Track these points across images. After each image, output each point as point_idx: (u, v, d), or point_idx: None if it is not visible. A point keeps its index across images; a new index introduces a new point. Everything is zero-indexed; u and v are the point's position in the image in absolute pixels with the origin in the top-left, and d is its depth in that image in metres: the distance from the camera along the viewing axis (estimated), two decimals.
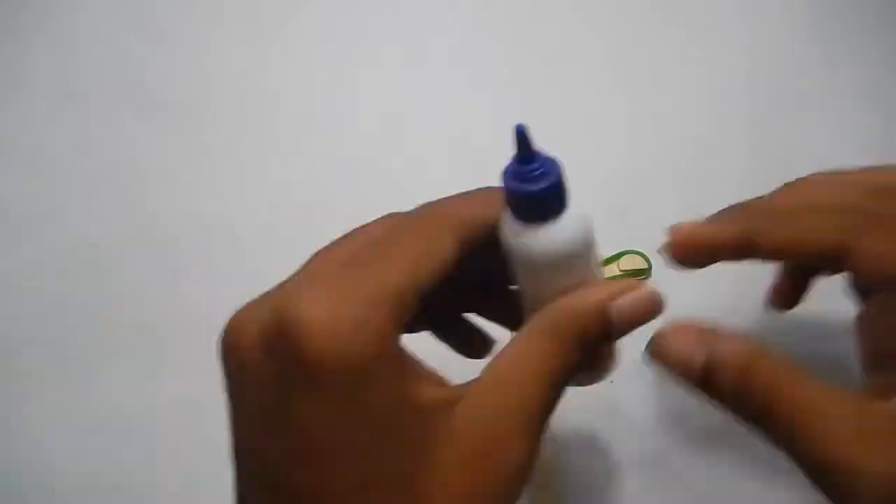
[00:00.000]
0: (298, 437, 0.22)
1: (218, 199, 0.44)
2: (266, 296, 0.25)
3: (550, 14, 0.49)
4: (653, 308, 0.26)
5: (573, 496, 0.38)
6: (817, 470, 0.23)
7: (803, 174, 0.33)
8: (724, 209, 0.31)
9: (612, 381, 0.40)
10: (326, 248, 0.27)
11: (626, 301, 0.26)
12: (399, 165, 0.45)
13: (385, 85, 0.47)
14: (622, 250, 0.42)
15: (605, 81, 0.48)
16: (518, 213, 0.26)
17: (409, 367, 0.24)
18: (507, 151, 0.44)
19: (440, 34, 0.49)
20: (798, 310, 0.36)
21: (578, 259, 0.26)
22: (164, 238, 0.43)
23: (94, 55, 0.48)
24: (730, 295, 0.42)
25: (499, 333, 0.36)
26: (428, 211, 0.28)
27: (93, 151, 0.45)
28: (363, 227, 0.28)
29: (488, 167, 0.44)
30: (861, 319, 0.29)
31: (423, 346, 0.38)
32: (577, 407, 0.39)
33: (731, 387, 0.25)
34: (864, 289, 0.29)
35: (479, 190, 0.29)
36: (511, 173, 0.25)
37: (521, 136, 0.26)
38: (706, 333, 0.26)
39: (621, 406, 0.40)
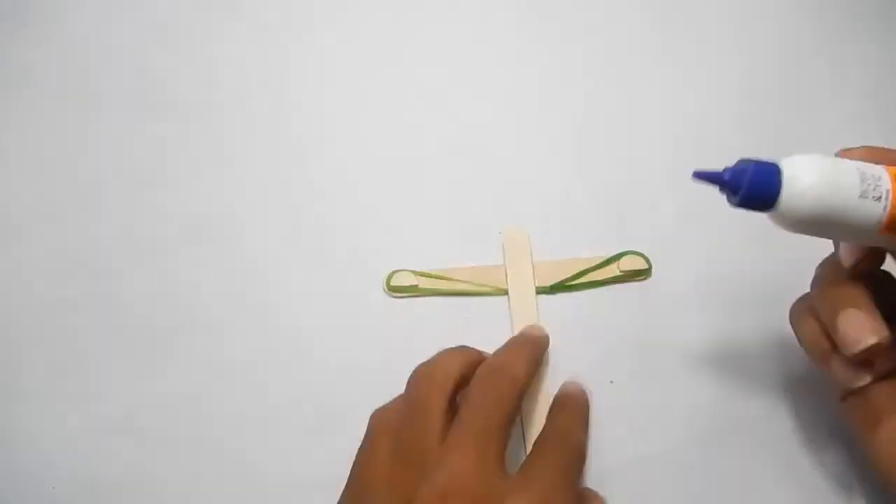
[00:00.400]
0: None
1: (218, 199, 0.44)
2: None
3: (547, 14, 0.49)
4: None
5: None
6: None
7: None
8: None
9: (612, 382, 0.40)
10: None
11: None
12: (402, 167, 0.45)
13: (389, 87, 0.47)
14: (622, 251, 0.42)
15: (606, 82, 0.47)
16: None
17: None
18: (506, 151, 0.45)
19: (440, 32, 0.49)
20: None
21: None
22: (164, 238, 0.43)
23: (95, 55, 0.47)
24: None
25: None
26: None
27: (93, 151, 0.45)
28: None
29: (488, 166, 0.45)
30: None
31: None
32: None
33: None
34: None
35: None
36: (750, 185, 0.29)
37: (709, 179, 0.30)
38: None
39: (621, 406, 0.40)
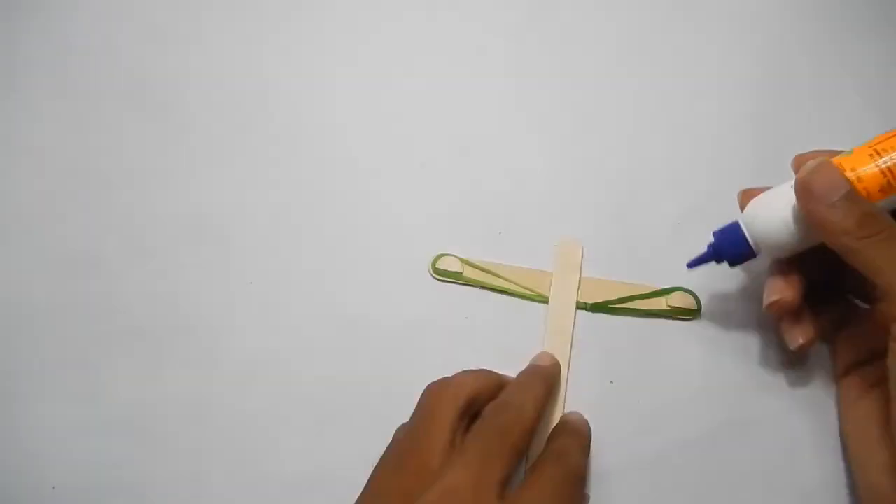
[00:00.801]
0: None
1: (217, 199, 0.44)
2: None
3: (554, 14, 0.48)
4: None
5: None
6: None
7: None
8: None
9: (612, 382, 0.40)
10: None
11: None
12: (398, 168, 0.44)
13: (386, 87, 0.46)
14: (673, 286, 0.41)
15: (607, 82, 0.46)
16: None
17: None
18: (507, 154, 0.44)
19: (438, 29, 0.48)
20: None
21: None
22: (163, 237, 0.43)
23: (92, 54, 0.47)
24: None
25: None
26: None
27: (93, 151, 0.45)
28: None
29: (488, 167, 0.44)
30: None
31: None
32: (576, 408, 0.39)
33: (857, 216, 0.32)
34: None
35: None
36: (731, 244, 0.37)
37: (701, 262, 0.38)
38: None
39: (621, 406, 0.39)
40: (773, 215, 0.35)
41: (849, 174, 0.33)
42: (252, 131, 0.45)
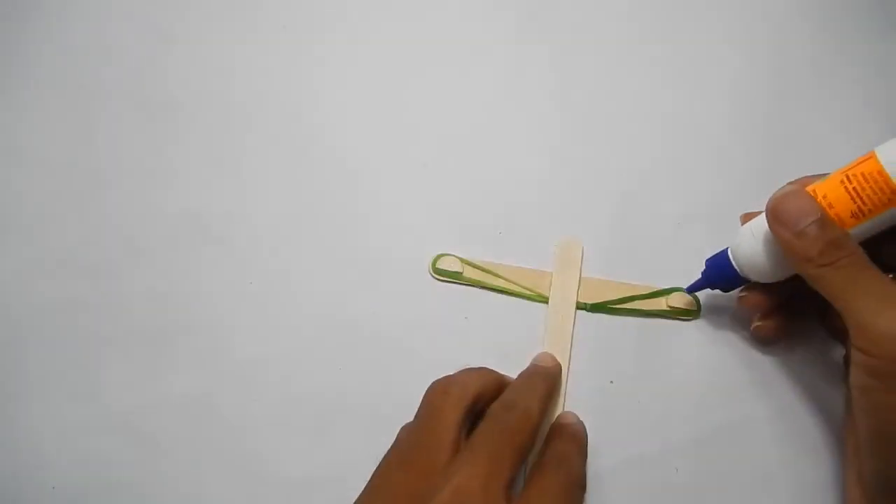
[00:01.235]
0: None
1: (218, 199, 0.44)
2: None
3: (555, 14, 0.48)
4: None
5: None
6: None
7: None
8: None
9: (612, 382, 0.40)
10: None
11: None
12: (399, 168, 0.44)
13: (387, 87, 0.46)
14: (673, 286, 0.41)
15: (608, 82, 0.46)
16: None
17: None
18: (507, 154, 0.44)
19: (438, 30, 0.48)
20: None
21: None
22: (164, 238, 0.43)
23: (92, 54, 0.47)
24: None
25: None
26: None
27: (94, 151, 0.45)
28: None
29: (488, 167, 0.44)
30: None
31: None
32: (576, 408, 0.39)
33: (822, 243, 0.32)
34: None
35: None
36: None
37: (699, 287, 0.40)
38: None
39: (621, 406, 0.39)
40: (755, 244, 0.36)
41: (821, 200, 0.34)
42: (252, 131, 0.45)
